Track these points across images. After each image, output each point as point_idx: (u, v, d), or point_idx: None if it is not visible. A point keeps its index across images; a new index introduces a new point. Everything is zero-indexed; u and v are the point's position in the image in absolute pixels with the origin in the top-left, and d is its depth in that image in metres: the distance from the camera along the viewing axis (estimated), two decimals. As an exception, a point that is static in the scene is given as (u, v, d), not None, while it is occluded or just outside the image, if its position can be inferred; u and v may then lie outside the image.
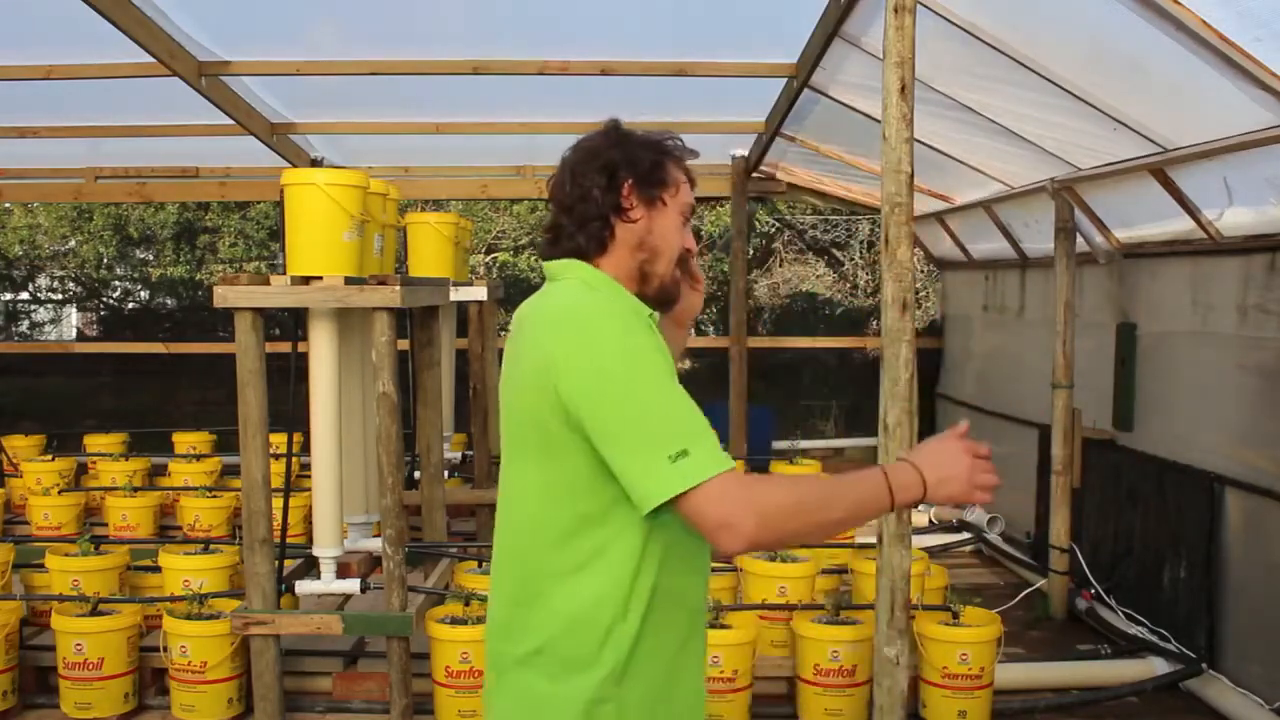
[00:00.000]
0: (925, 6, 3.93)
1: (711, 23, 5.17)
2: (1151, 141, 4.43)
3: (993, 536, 6.73)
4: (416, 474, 4.97)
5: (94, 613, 4.21)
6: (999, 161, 5.92)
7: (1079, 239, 5.61)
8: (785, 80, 5.88)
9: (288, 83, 6.08)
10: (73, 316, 15.20)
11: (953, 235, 7.76)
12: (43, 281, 14.48)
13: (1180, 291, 4.94)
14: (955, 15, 4.16)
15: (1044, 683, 4.59)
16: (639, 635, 1.72)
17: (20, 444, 7.48)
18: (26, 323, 14.38)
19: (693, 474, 1.58)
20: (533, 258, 14.86)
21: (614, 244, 1.82)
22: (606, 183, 1.79)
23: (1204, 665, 4.51)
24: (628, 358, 1.66)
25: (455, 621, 4.09)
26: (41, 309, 14.67)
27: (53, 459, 6.89)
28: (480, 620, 4.09)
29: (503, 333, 11.57)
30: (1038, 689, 4.54)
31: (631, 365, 1.66)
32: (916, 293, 5.47)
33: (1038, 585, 5.81)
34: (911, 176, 3.21)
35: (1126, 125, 4.41)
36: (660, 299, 1.85)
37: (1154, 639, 4.87)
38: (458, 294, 5.79)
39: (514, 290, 13.85)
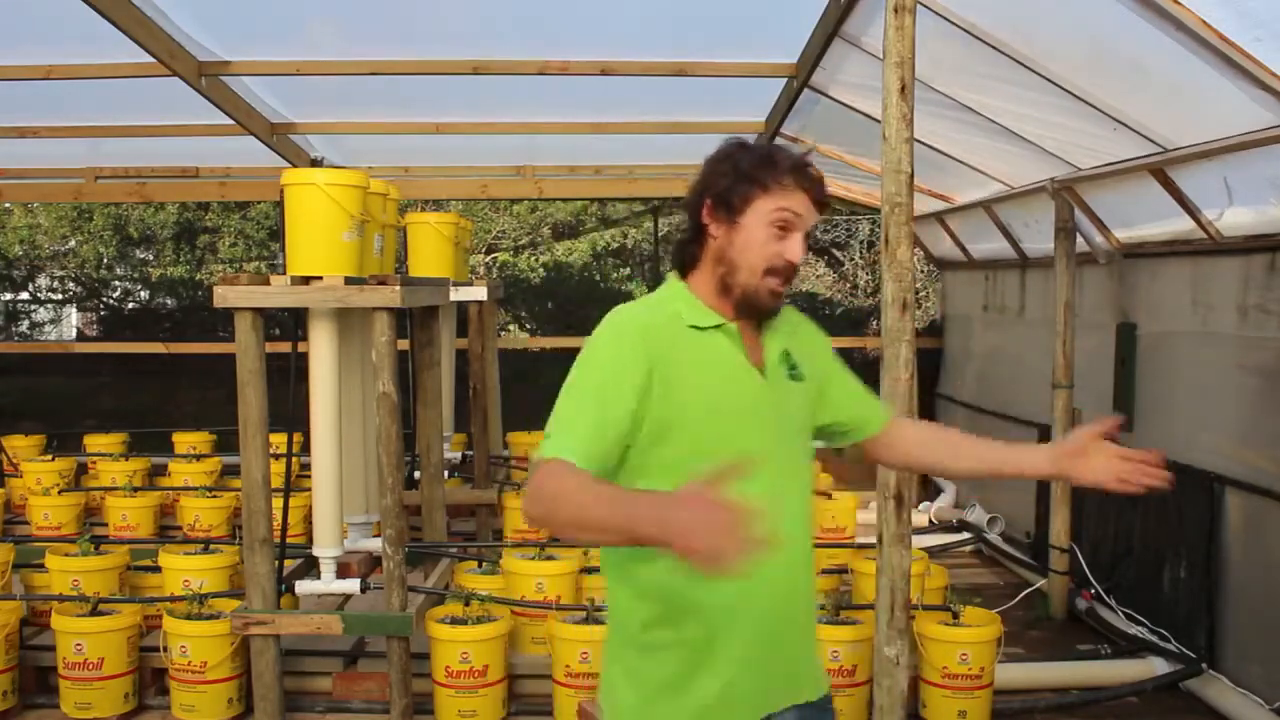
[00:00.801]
0: (925, 6, 3.93)
1: (711, 23, 5.17)
2: (1151, 141, 4.43)
3: (993, 536, 6.73)
4: (416, 474, 4.97)
5: (94, 613, 4.21)
6: (999, 161, 5.92)
7: (1079, 239, 5.61)
8: (785, 80, 5.88)
9: (288, 83, 6.07)
10: (73, 316, 15.20)
11: (953, 235, 7.76)
12: (43, 281, 14.48)
13: (1180, 291, 4.94)
14: (955, 15, 4.15)
15: (1044, 683, 4.59)
16: (645, 620, 1.90)
17: (20, 444, 7.49)
18: (26, 323, 14.38)
19: (542, 450, 1.78)
20: (532, 258, 14.85)
21: (703, 259, 1.97)
22: (694, 202, 1.96)
23: (1204, 665, 4.51)
24: (583, 356, 1.87)
25: (455, 621, 4.09)
26: (41, 309, 14.67)
27: (53, 459, 6.90)
28: (480, 620, 4.10)
29: (503, 332, 11.55)
30: (1038, 689, 4.54)
31: (580, 364, 1.86)
32: (916, 293, 5.47)
33: (1038, 585, 5.81)
34: (911, 176, 3.21)
35: (1126, 125, 4.41)
36: (745, 308, 1.94)
37: (1154, 639, 4.87)
38: (458, 294, 5.79)
39: (514, 290, 13.85)
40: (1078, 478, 2.02)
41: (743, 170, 1.89)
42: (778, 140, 6.94)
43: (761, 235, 1.89)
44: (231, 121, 6.35)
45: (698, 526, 1.47)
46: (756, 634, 1.89)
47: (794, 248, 1.90)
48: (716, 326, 1.92)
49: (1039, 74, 4.30)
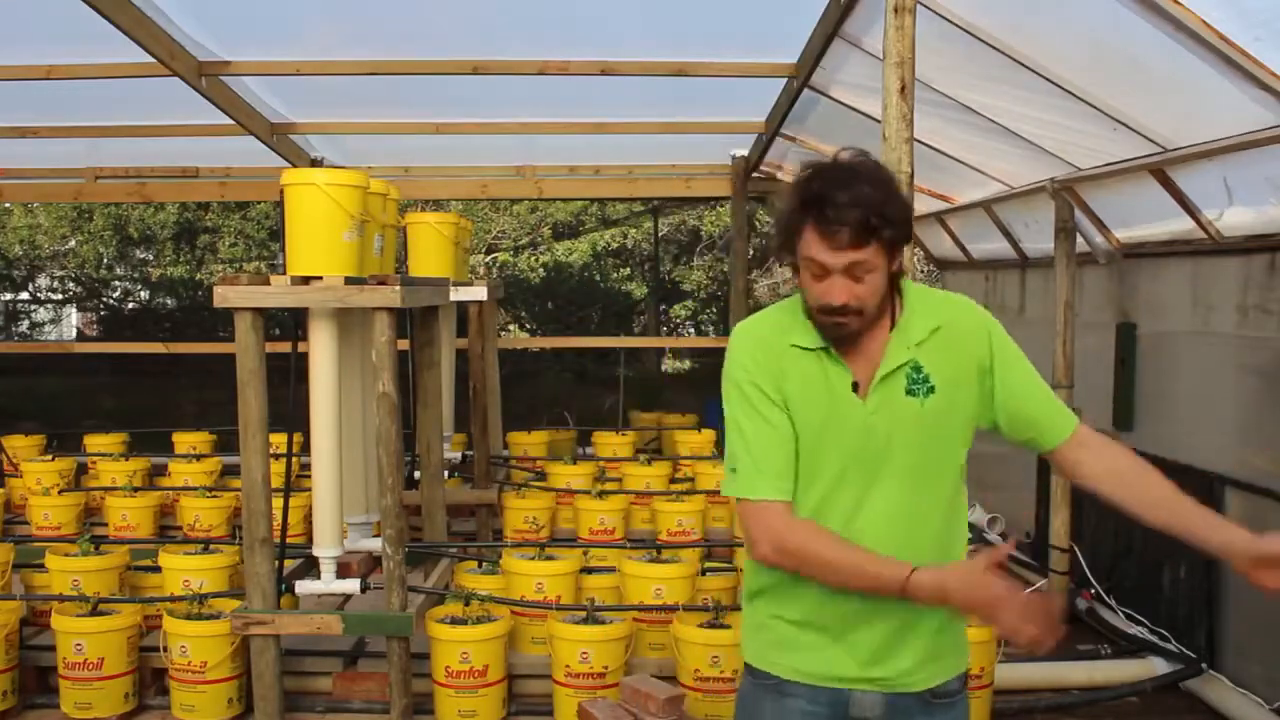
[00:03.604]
0: (925, 7, 3.93)
1: (712, 23, 5.17)
2: (1151, 141, 4.43)
3: (993, 537, 6.73)
4: (416, 474, 4.97)
5: (94, 613, 4.21)
6: (999, 161, 5.92)
7: (1079, 239, 5.61)
8: (785, 80, 5.88)
9: (287, 82, 6.07)
10: (73, 316, 15.21)
11: (953, 235, 7.76)
12: (43, 281, 14.48)
13: (1180, 291, 4.94)
14: (956, 15, 4.16)
15: (1044, 683, 4.59)
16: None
17: (20, 444, 7.48)
18: (26, 323, 14.38)
19: (732, 488, 2.06)
20: (532, 258, 14.85)
21: None
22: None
23: (1204, 665, 4.51)
24: (727, 380, 2.09)
25: (455, 621, 4.09)
26: (41, 309, 14.67)
27: (53, 459, 6.88)
28: (480, 620, 4.10)
29: (503, 333, 11.55)
30: (1037, 689, 4.54)
31: (727, 386, 2.09)
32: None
33: (1038, 585, 5.80)
34: (912, 176, 3.22)
35: (1126, 125, 4.41)
36: (826, 337, 2.03)
37: (1154, 639, 4.87)
38: (458, 294, 5.78)
39: (514, 290, 13.85)
40: (1262, 585, 1.95)
41: (782, 223, 2.02)
42: (777, 140, 6.94)
43: (806, 279, 2.00)
44: (231, 121, 6.36)
45: (1013, 613, 1.84)
46: (835, 614, 2.07)
47: (831, 290, 1.96)
48: (819, 349, 2.04)
49: (1039, 74, 4.30)
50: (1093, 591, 5.42)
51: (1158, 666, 4.63)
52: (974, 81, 4.80)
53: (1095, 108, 4.37)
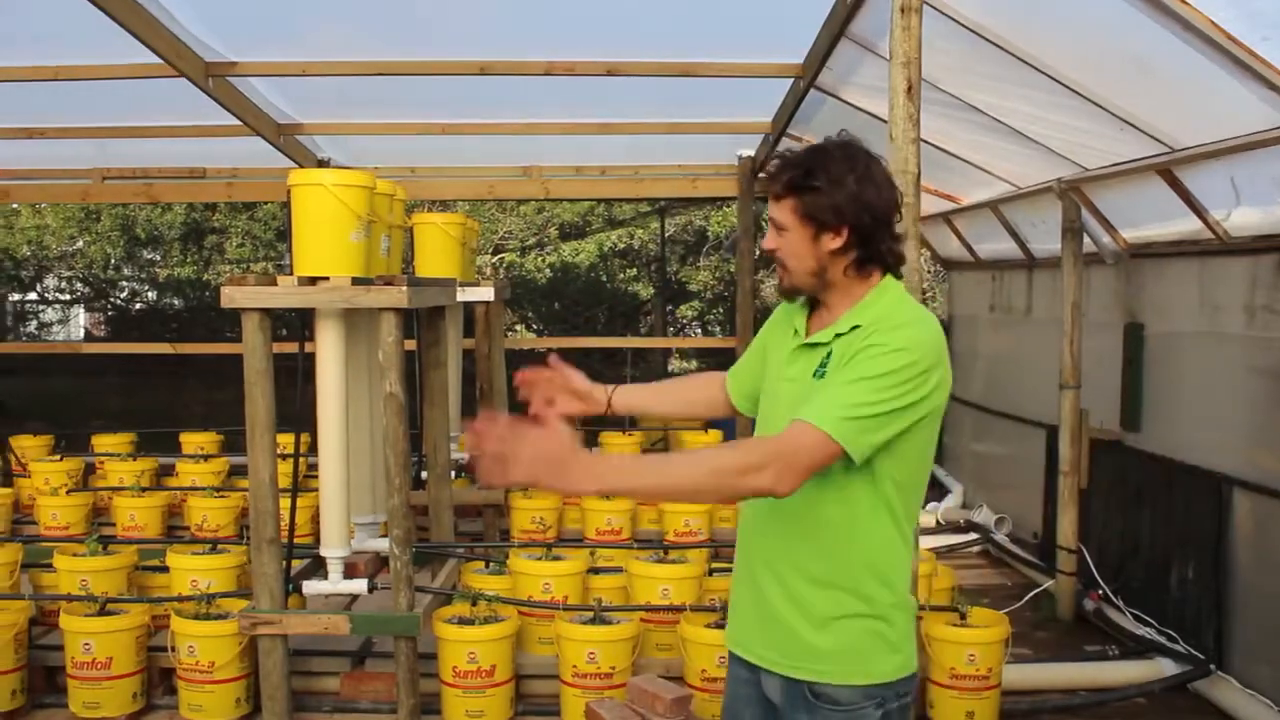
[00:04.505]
0: (932, 7, 3.93)
1: (718, 23, 5.17)
2: (1159, 141, 4.43)
3: (1000, 537, 6.72)
4: (423, 474, 4.98)
5: (102, 612, 4.22)
6: (1006, 162, 5.91)
7: (1086, 239, 5.60)
8: (792, 80, 5.88)
9: (294, 83, 6.08)
10: (80, 317, 15.25)
11: (960, 236, 7.75)
12: (50, 282, 14.52)
13: (1188, 292, 4.93)
14: (962, 16, 4.15)
15: (1051, 684, 4.59)
16: None
17: (28, 444, 7.50)
18: (34, 323, 14.42)
19: None
20: (539, 258, 14.86)
21: None
22: None
23: (1212, 666, 4.50)
24: None
25: (463, 622, 4.09)
26: (49, 309, 14.71)
27: (61, 459, 6.90)
28: (487, 620, 4.10)
29: (509, 333, 11.55)
30: (1045, 690, 4.54)
31: None
32: (923, 293, 5.46)
33: (1045, 586, 5.80)
34: (918, 177, 3.21)
35: (1134, 125, 4.40)
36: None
37: (1162, 640, 4.86)
38: (464, 294, 5.79)
39: (520, 291, 13.86)
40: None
41: None
42: (784, 140, 6.93)
43: None
44: (238, 122, 6.36)
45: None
46: (740, 585, 2.26)
47: (767, 238, 2.18)
48: (794, 313, 2.23)
49: (1046, 74, 4.29)
50: (1100, 592, 5.41)
51: (1165, 667, 4.62)
52: (981, 81, 4.79)
53: (1102, 108, 4.36)
